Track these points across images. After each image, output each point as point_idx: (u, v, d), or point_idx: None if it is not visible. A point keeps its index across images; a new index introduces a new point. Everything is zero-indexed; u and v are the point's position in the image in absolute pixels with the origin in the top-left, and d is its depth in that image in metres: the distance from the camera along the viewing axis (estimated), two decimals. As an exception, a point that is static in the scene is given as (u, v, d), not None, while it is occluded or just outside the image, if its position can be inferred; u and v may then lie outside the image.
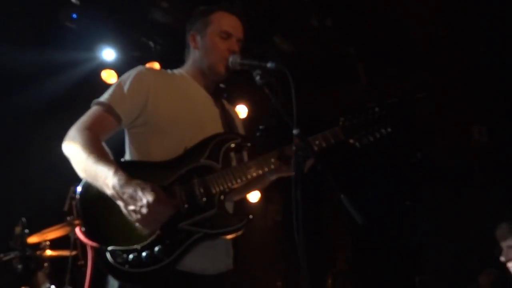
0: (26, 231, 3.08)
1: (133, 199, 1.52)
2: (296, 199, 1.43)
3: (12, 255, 3.06)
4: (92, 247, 1.57)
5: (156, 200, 1.51)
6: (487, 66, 4.71)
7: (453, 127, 5.27)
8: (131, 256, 1.56)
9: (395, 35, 4.52)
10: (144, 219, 1.53)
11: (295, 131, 1.53)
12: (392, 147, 5.49)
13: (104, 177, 1.55)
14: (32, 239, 3.33)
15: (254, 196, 5.57)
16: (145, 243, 1.58)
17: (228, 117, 1.96)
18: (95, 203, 1.61)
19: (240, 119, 2.12)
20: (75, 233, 3.46)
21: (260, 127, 5.45)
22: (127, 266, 1.55)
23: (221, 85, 2.01)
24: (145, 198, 1.51)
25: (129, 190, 1.53)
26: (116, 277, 1.60)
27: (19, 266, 3.01)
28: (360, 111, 1.87)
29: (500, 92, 4.81)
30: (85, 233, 1.59)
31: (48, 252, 3.46)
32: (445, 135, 5.37)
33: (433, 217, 5.60)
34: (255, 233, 5.70)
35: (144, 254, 1.56)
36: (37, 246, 3.44)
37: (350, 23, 4.49)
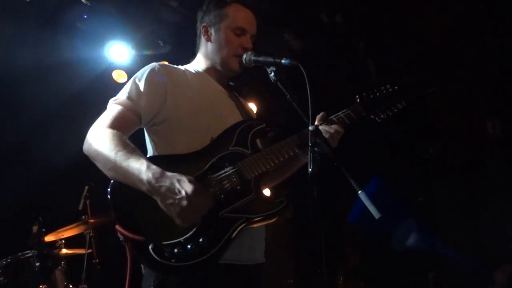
0: (43, 230, 3.11)
1: (171, 191, 1.46)
2: (313, 196, 1.43)
3: (30, 253, 3.09)
4: (131, 247, 1.49)
5: (195, 190, 1.46)
6: (501, 59, 4.64)
7: (466, 121, 5.20)
8: (175, 250, 1.49)
9: (406, 29, 4.47)
10: (183, 211, 1.46)
11: (311, 128, 1.54)
12: (404, 142, 5.45)
13: (137, 173, 1.49)
14: (49, 238, 3.38)
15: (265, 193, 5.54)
16: (187, 235, 1.52)
17: (244, 108, 1.96)
18: (128, 201, 1.54)
19: (253, 111, 2.11)
20: (90, 232, 3.52)
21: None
22: (173, 260, 1.48)
23: (230, 83, 2.01)
24: (183, 189, 1.46)
25: (165, 183, 1.47)
26: (164, 273, 1.54)
27: (37, 264, 3.04)
28: (373, 89, 1.93)
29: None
30: (127, 229, 1.50)
31: (64, 251, 3.51)
32: (458, 129, 5.31)
33: (446, 213, 5.55)
34: (266, 231, 5.65)
35: (189, 246, 1.50)
36: (53, 245, 3.48)
37: (360, 19, 4.46)
